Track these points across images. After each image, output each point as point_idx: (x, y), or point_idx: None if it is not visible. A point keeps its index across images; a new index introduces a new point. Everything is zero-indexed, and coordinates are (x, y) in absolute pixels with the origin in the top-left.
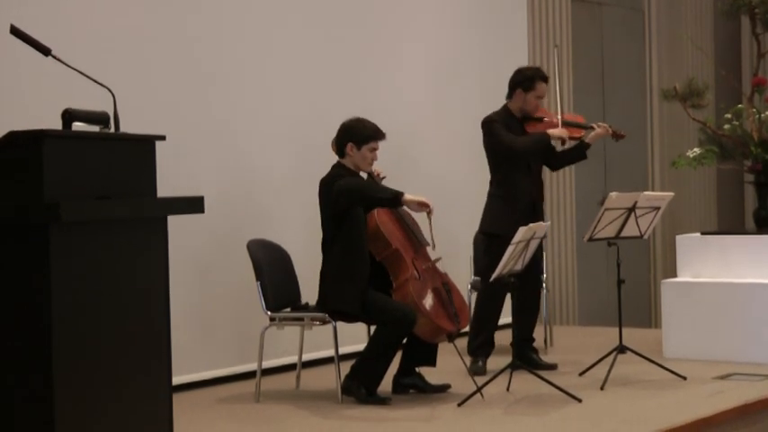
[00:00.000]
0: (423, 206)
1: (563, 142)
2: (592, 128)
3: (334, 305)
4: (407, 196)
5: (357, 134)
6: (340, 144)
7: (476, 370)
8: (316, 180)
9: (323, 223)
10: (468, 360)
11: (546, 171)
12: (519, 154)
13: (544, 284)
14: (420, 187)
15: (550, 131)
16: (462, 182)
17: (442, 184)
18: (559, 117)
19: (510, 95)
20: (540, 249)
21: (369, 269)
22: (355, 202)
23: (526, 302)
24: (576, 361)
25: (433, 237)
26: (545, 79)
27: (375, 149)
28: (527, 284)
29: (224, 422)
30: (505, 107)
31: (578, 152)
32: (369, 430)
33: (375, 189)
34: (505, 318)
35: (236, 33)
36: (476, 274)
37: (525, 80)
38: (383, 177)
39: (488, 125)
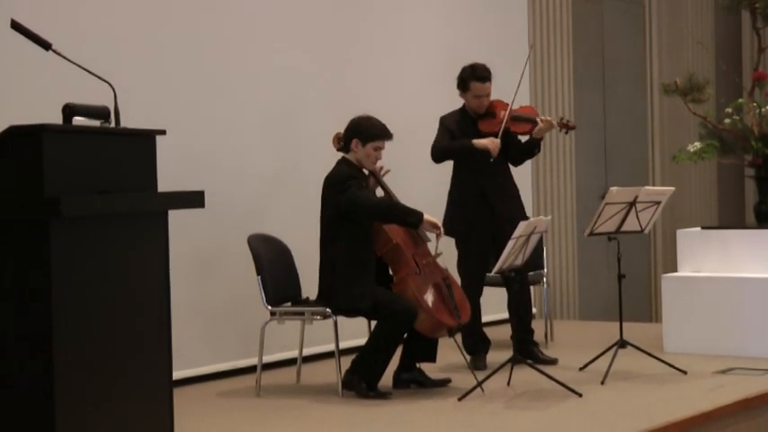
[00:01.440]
0: (435, 228)
1: (490, 155)
2: (535, 121)
3: (344, 303)
4: (426, 217)
5: (364, 131)
6: (346, 138)
7: (476, 365)
8: (316, 174)
9: (323, 218)
10: (468, 358)
11: (547, 169)
12: (434, 160)
13: (545, 279)
14: (419, 185)
15: (475, 141)
16: None
17: (441, 181)
18: (507, 113)
19: (460, 94)
20: (539, 244)
21: (375, 264)
22: (375, 220)
23: (516, 295)
24: (576, 355)
25: (437, 252)
26: (480, 79)
27: (380, 149)
28: (514, 278)
29: (225, 416)
30: (462, 105)
31: (530, 147)
32: (369, 425)
33: (401, 211)
34: (503, 314)
35: (236, 28)
36: None
37: (460, 81)
38: (386, 171)
39: (439, 125)
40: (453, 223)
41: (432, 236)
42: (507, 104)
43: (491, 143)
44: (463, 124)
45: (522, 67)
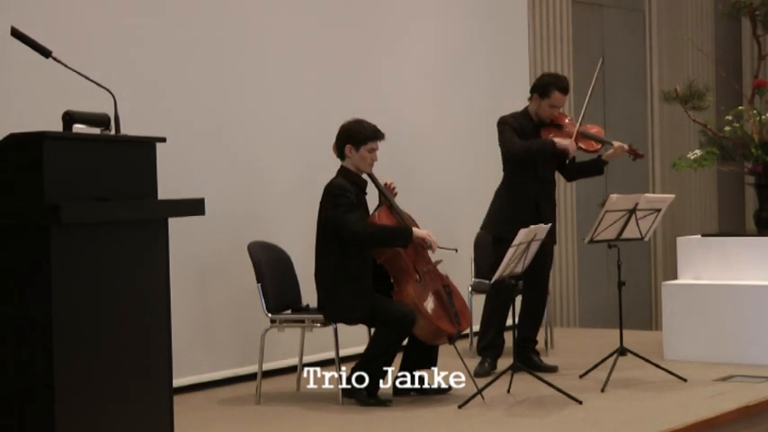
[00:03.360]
0: (425, 242)
1: (567, 155)
2: (610, 144)
3: (337, 315)
4: (415, 233)
5: (355, 135)
6: (339, 146)
7: (480, 371)
8: (316, 182)
9: (318, 227)
10: (474, 360)
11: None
12: (517, 156)
13: None
14: (422, 188)
15: (558, 140)
16: (464, 182)
17: (444, 184)
18: (577, 127)
19: (530, 98)
20: (551, 251)
21: (371, 272)
22: (362, 245)
23: (531, 303)
24: (576, 363)
25: (437, 259)
26: (562, 90)
27: (374, 150)
28: (534, 286)
29: (225, 424)
30: (525, 109)
31: (595, 167)
32: None
33: (388, 235)
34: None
35: (237, 35)
36: (477, 276)
37: (542, 87)
38: (394, 188)
39: (499, 125)
40: (500, 224)
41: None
42: (568, 116)
43: (571, 144)
44: (525, 128)
45: (591, 82)
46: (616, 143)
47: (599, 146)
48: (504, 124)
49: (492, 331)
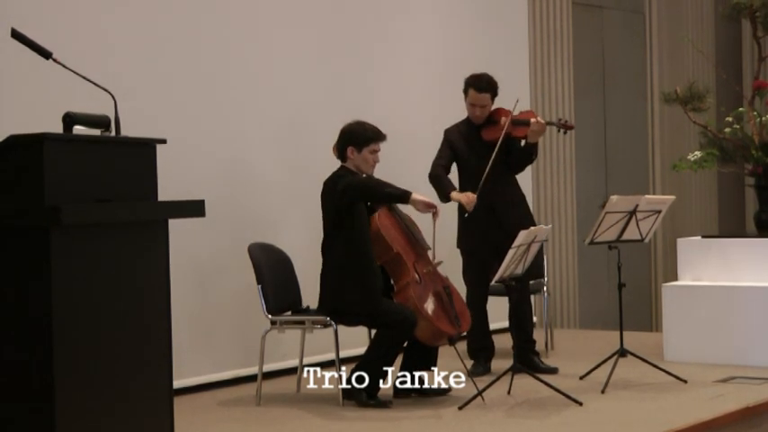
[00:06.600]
0: (429, 207)
1: (464, 209)
2: (531, 124)
3: (338, 305)
4: (415, 196)
5: (357, 137)
6: (341, 148)
7: (475, 371)
8: (317, 183)
9: (324, 224)
10: (469, 363)
11: (548, 178)
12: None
13: (545, 288)
14: (421, 188)
15: (453, 195)
16: None
17: None
18: (508, 118)
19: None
20: (540, 253)
21: (375, 267)
22: (361, 198)
23: (515, 304)
24: (576, 364)
25: (435, 240)
26: (477, 88)
27: (376, 151)
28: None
29: (225, 425)
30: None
31: (526, 152)
32: None
33: (384, 184)
34: (506, 322)
35: (238, 36)
36: None
37: (464, 87)
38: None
39: (442, 138)
40: (462, 237)
41: (427, 217)
42: (510, 111)
43: (466, 198)
44: (467, 133)
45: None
46: (533, 120)
47: (527, 128)
48: (443, 138)
49: (478, 335)
